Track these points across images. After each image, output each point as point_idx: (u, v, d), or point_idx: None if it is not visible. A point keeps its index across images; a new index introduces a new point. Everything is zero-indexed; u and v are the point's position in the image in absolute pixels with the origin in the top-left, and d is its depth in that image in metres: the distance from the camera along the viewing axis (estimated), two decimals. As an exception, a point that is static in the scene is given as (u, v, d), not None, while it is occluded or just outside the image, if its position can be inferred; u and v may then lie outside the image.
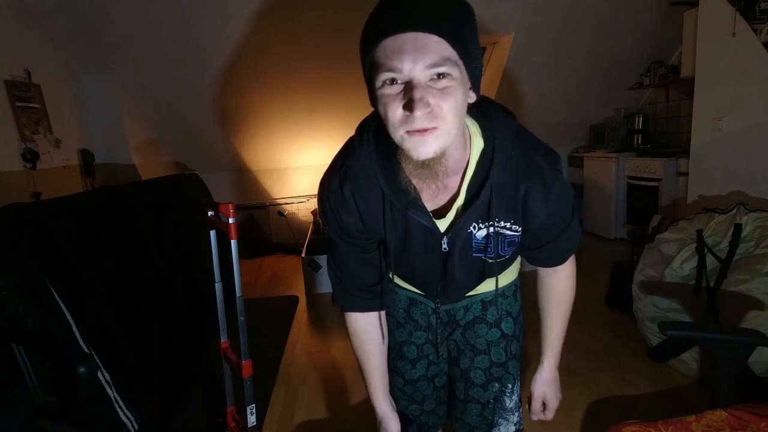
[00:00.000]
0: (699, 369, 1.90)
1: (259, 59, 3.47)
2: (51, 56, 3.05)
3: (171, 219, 2.16)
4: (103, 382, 1.40)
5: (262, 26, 3.18)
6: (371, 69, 0.62)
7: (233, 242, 1.34)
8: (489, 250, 0.80)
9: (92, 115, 3.47)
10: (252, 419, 1.42)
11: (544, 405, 0.99)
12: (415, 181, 0.71)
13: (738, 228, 1.91)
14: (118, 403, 1.43)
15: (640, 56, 3.98)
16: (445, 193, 0.76)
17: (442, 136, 0.61)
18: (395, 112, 0.60)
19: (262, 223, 4.77)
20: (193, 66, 3.44)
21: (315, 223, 4.21)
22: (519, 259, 0.98)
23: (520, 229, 0.78)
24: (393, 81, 0.60)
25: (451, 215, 0.77)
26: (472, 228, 0.78)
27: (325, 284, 3.31)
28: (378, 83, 0.61)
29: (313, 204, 4.68)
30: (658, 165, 3.59)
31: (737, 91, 2.48)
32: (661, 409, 1.75)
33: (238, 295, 1.36)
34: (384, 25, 0.59)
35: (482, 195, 0.71)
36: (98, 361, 1.40)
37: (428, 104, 0.59)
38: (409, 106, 0.59)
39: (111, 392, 1.42)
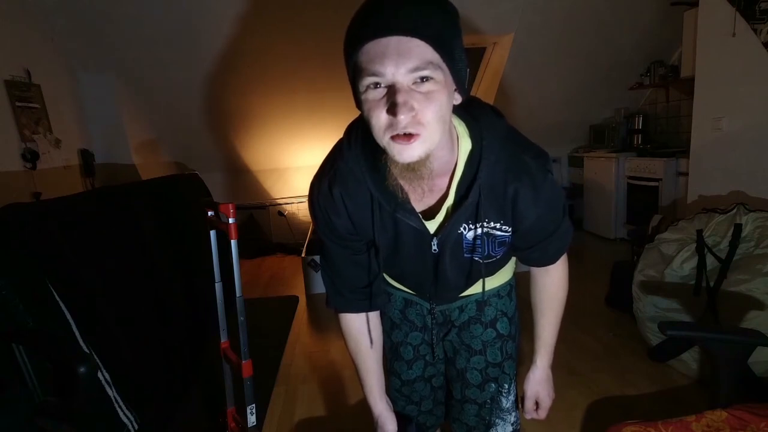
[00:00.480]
0: (699, 369, 1.90)
1: (259, 59, 3.47)
2: (51, 56, 3.05)
3: (171, 219, 2.16)
4: (103, 382, 1.40)
5: (262, 26, 3.18)
6: (354, 73, 0.62)
7: (233, 242, 1.34)
8: (480, 250, 0.80)
9: (92, 115, 3.47)
10: (252, 419, 1.42)
11: (537, 404, 0.99)
12: (402, 183, 0.71)
13: (738, 228, 1.91)
14: (118, 403, 1.43)
15: (640, 56, 3.98)
16: (434, 195, 0.76)
17: (426, 139, 0.61)
18: (379, 117, 0.61)
19: (262, 223, 4.77)
20: (193, 66, 3.45)
21: (315, 223, 4.21)
22: (513, 259, 0.98)
23: (509, 229, 0.79)
24: (376, 85, 0.60)
25: (440, 216, 0.77)
26: (462, 229, 0.78)
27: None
28: (362, 87, 0.61)
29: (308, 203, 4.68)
30: (658, 165, 3.59)
31: (737, 91, 2.48)
32: (661, 409, 1.75)
33: (238, 295, 1.36)
34: (366, 29, 0.59)
35: (471, 196, 0.72)
36: (98, 361, 1.40)
37: (412, 108, 0.59)
38: (392, 110, 0.59)
39: (111, 392, 1.42)
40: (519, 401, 1.02)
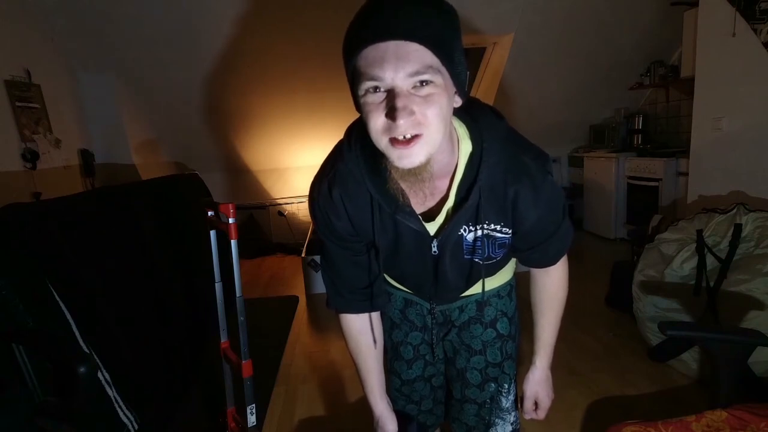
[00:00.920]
0: (699, 369, 1.90)
1: (259, 59, 3.47)
2: (51, 56, 3.05)
3: (171, 219, 2.16)
4: (103, 382, 1.40)
5: (263, 26, 3.18)
6: (353, 77, 0.62)
7: (233, 242, 1.34)
8: (480, 252, 0.80)
9: (92, 115, 3.47)
10: (252, 419, 1.42)
11: (536, 404, 0.99)
12: (403, 186, 0.71)
13: (738, 228, 1.91)
14: (118, 403, 1.43)
15: (640, 56, 3.98)
16: (435, 196, 0.76)
17: (426, 144, 0.61)
18: (377, 121, 0.61)
19: (262, 223, 4.76)
20: (193, 66, 3.45)
21: (315, 223, 4.21)
22: (513, 259, 0.98)
23: (510, 231, 0.78)
24: (376, 89, 0.60)
25: (440, 218, 0.77)
26: (462, 231, 0.78)
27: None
28: (361, 91, 0.61)
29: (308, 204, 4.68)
30: (658, 165, 3.59)
31: (737, 91, 2.48)
32: (661, 409, 1.75)
33: (238, 295, 1.36)
34: (365, 33, 0.58)
35: (471, 198, 0.71)
36: (98, 361, 1.40)
37: (412, 112, 0.59)
38: (392, 114, 0.58)
39: (111, 392, 1.42)
40: (518, 401, 1.03)
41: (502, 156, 0.72)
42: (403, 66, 0.57)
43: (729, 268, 1.88)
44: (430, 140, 0.61)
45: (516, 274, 1.03)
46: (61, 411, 1.07)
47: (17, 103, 2.63)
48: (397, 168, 0.63)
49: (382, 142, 0.62)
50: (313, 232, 3.98)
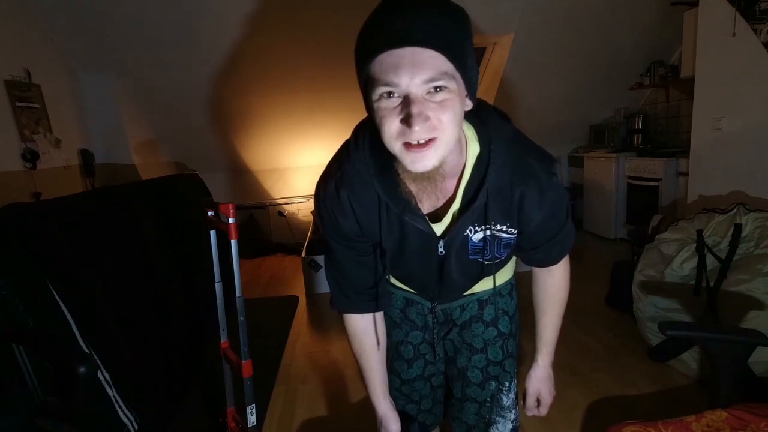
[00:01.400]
0: (699, 369, 1.90)
1: (259, 59, 3.47)
2: (51, 56, 3.05)
3: (171, 219, 2.16)
4: (103, 382, 1.40)
5: (262, 26, 3.17)
6: (367, 82, 0.62)
7: (233, 242, 1.34)
8: (486, 252, 0.81)
9: (92, 115, 3.47)
10: (252, 419, 1.41)
11: (538, 401, 1.00)
12: (413, 188, 0.72)
13: (738, 228, 1.91)
14: (118, 403, 1.43)
15: (640, 56, 3.98)
16: (442, 197, 0.76)
17: (440, 147, 0.62)
18: (392, 126, 0.61)
19: (262, 223, 4.76)
20: (193, 66, 3.44)
21: (315, 223, 4.21)
22: (514, 258, 0.99)
23: (515, 231, 0.80)
24: (390, 94, 0.60)
25: (447, 219, 0.78)
26: (468, 231, 0.78)
27: (325, 284, 3.27)
28: (375, 96, 0.61)
29: (313, 204, 4.67)
30: (658, 165, 3.59)
31: (737, 91, 2.48)
32: (661, 409, 1.75)
33: (238, 295, 1.36)
34: (380, 39, 0.59)
35: (479, 199, 0.72)
36: (98, 361, 1.40)
37: (427, 118, 0.59)
38: (407, 121, 0.59)
39: (111, 392, 1.42)
40: (520, 398, 1.03)
41: (508, 158, 0.73)
42: (419, 73, 0.58)
43: (729, 268, 1.88)
44: (443, 144, 0.62)
45: (516, 274, 1.04)
46: (61, 411, 1.07)
47: (17, 103, 2.63)
48: (410, 171, 0.64)
49: (395, 146, 0.62)
50: (313, 232, 3.99)
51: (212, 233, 1.46)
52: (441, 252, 0.80)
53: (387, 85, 0.59)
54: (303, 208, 4.76)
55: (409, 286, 0.98)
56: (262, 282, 3.73)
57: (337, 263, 0.87)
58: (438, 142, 0.61)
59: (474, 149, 0.74)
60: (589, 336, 2.36)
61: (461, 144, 0.73)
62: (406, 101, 0.59)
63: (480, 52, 4.00)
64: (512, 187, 0.74)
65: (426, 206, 0.77)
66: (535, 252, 0.86)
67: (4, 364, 1.20)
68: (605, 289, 2.79)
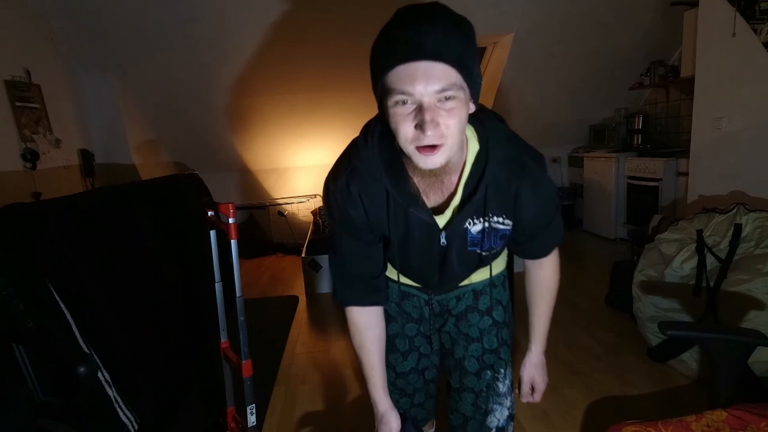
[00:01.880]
0: (699, 369, 1.90)
1: (259, 59, 3.47)
2: (51, 56, 3.05)
3: (171, 219, 2.16)
4: (103, 382, 1.41)
5: (263, 26, 3.18)
6: (383, 90, 0.69)
7: (233, 242, 1.34)
8: (483, 243, 0.87)
9: (92, 115, 3.47)
10: (252, 419, 1.42)
11: (532, 388, 1.06)
12: (418, 182, 0.80)
13: (738, 228, 1.91)
14: (118, 403, 1.43)
15: (640, 56, 3.98)
16: (444, 192, 0.83)
17: (447, 150, 0.70)
18: (407, 130, 0.68)
19: (262, 223, 4.76)
20: (193, 66, 3.45)
21: (315, 223, 4.21)
22: (506, 251, 1.05)
23: (511, 223, 0.86)
24: (405, 102, 0.67)
25: (448, 212, 0.84)
26: (467, 224, 0.84)
27: (325, 284, 3.31)
28: (391, 102, 0.68)
29: (314, 204, 4.68)
30: (658, 165, 3.59)
31: (737, 91, 2.48)
32: (661, 409, 1.75)
33: (238, 295, 1.37)
34: (397, 52, 0.66)
35: (478, 192, 0.79)
36: (98, 361, 1.40)
37: (437, 124, 0.67)
38: (421, 126, 0.67)
39: (111, 392, 1.42)
40: (515, 387, 1.08)
41: (505, 155, 0.80)
42: (432, 84, 0.65)
43: (729, 268, 1.88)
44: (450, 146, 0.70)
45: (514, 274, 1.05)
46: (61, 411, 1.07)
47: (17, 103, 2.63)
48: (420, 168, 0.72)
49: (409, 148, 0.70)
50: (314, 232, 3.99)
51: (212, 233, 1.46)
52: (443, 243, 0.86)
53: (403, 93, 0.66)
54: (303, 208, 4.77)
55: (410, 277, 1.01)
56: (262, 282, 3.73)
57: (342, 255, 0.90)
58: (446, 146, 0.69)
59: (474, 147, 0.81)
60: (589, 336, 2.35)
61: (462, 143, 0.78)
62: (420, 109, 0.66)
63: (480, 52, 4.01)
64: (509, 181, 0.81)
65: (431, 201, 0.83)
66: (528, 244, 0.94)
67: (4, 364, 1.20)
68: (605, 290, 2.79)
